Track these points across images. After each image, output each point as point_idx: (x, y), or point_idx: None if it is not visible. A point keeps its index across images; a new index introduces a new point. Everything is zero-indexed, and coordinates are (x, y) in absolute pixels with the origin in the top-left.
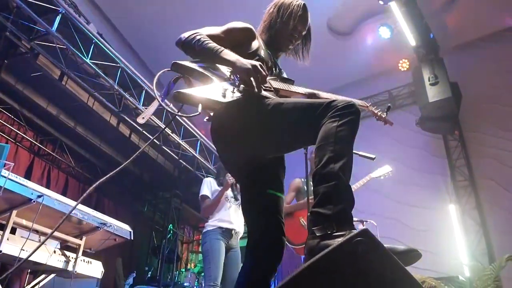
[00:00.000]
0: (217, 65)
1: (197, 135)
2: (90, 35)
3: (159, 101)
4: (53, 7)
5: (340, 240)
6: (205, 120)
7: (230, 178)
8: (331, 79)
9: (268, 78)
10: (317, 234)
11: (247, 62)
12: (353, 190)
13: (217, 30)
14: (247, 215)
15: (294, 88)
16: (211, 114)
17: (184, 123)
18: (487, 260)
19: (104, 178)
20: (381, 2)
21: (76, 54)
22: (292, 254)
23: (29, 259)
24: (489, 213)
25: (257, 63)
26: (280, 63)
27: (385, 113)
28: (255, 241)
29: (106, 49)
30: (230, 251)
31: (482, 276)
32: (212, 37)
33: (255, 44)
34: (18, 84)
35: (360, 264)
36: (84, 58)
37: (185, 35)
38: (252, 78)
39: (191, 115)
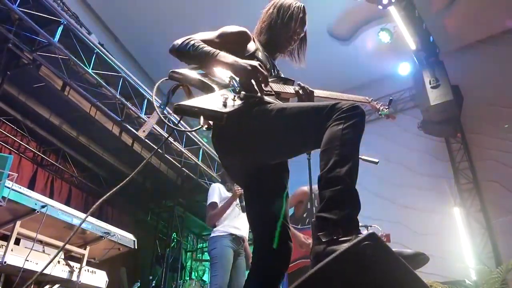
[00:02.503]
0: (215, 70)
1: (199, 143)
2: (92, 45)
3: (158, 114)
4: (55, 18)
5: (346, 245)
6: (204, 128)
7: (238, 189)
8: (331, 85)
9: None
10: (323, 240)
11: (246, 63)
12: None
13: (211, 34)
14: (252, 221)
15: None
16: (211, 122)
17: (186, 131)
18: (493, 263)
19: (113, 190)
20: (380, 7)
21: (78, 64)
22: None
23: (33, 270)
24: (494, 216)
25: (256, 63)
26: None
27: (386, 107)
28: (261, 247)
29: (107, 59)
30: (238, 258)
31: (489, 279)
32: (206, 41)
33: (251, 47)
34: (20, 95)
35: (368, 269)
36: (86, 68)
37: (178, 41)
38: (253, 80)
39: (192, 129)
